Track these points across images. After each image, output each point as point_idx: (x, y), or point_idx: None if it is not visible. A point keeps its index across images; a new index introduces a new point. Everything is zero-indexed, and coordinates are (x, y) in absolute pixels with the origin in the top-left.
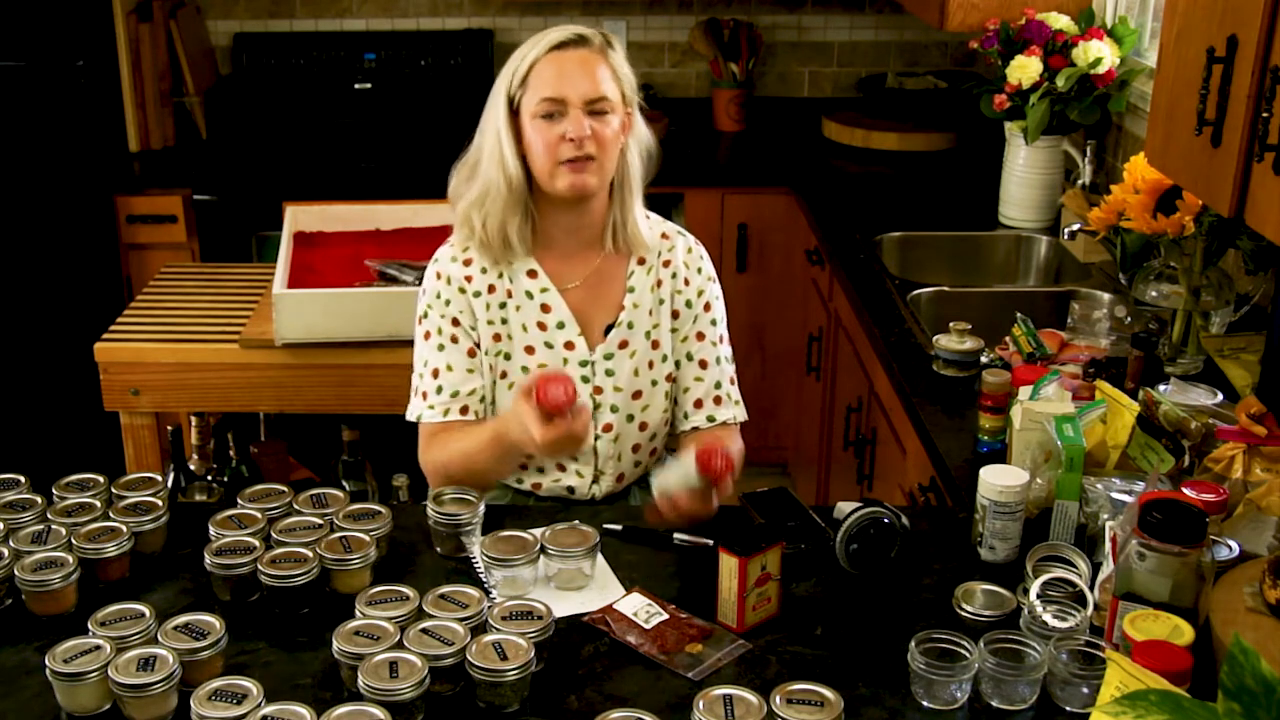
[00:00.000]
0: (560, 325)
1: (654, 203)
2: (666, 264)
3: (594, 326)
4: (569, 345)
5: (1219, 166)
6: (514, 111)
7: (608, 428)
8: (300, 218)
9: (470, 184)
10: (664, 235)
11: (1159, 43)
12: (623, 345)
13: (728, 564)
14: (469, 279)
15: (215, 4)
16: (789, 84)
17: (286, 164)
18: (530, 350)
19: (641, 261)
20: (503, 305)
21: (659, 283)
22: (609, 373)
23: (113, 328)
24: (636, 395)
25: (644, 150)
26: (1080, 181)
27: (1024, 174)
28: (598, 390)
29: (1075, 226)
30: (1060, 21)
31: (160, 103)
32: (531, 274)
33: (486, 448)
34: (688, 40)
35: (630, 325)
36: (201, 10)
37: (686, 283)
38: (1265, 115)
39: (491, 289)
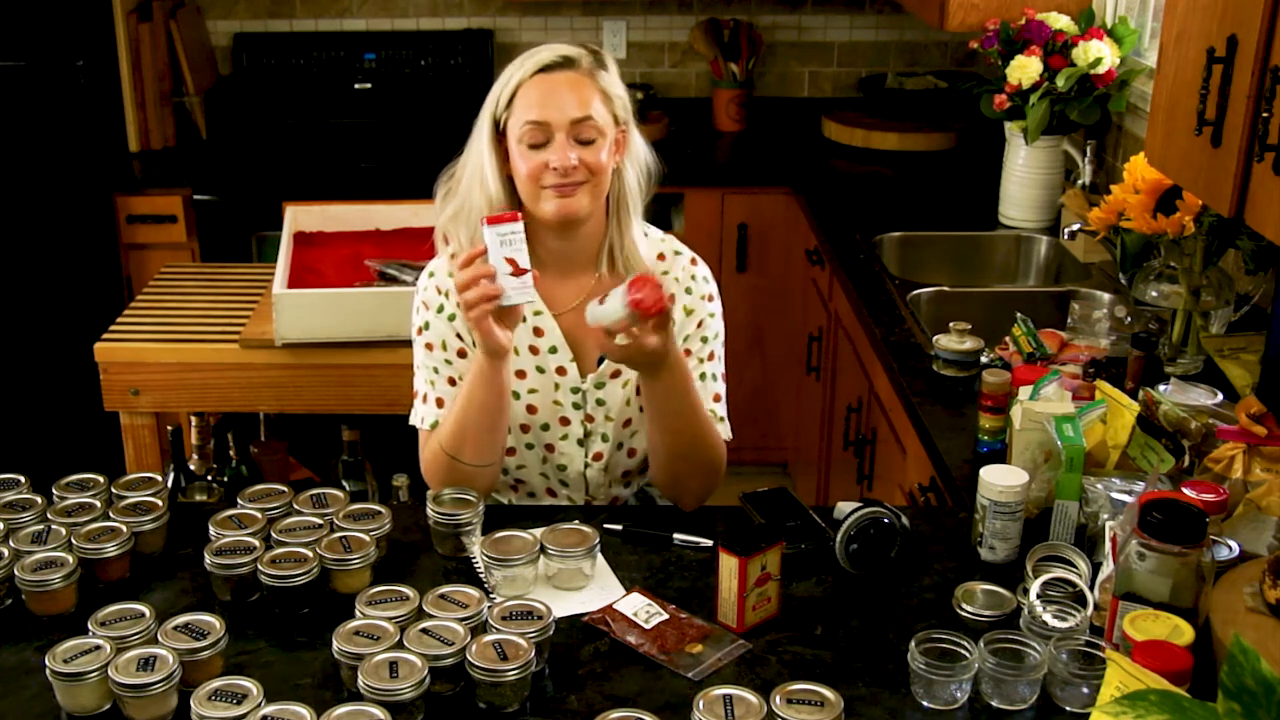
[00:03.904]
0: (553, 350)
1: (654, 202)
2: None
3: (586, 353)
4: (560, 371)
5: (1219, 166)
6: (500, 133)
7: (598, 456)
8: (300, 218)
9: (449, 201)
10: (660, 256)
11: (1159, 43)
12: (615, 375)
13: (728, 564)
14: None
15: (215, 4)
16: (789, 84)
17: (286, 164)
18: (521, 374)
19: None
20: None
21: None
22: (600, 402)
23: (113, 328)
24: (627, 424)
25: (642, 168)
26: (1080, 181)
27: (1024, 174)
28: (589, 419)
29: (1075, 226)
30: (1060, 21)
31: (160, 103)
32: None
33: (467, 381)
34: (688, 40)
35: None
36: (201, 10)
37: (672, 299)
38: (1265, 115)
39: None
